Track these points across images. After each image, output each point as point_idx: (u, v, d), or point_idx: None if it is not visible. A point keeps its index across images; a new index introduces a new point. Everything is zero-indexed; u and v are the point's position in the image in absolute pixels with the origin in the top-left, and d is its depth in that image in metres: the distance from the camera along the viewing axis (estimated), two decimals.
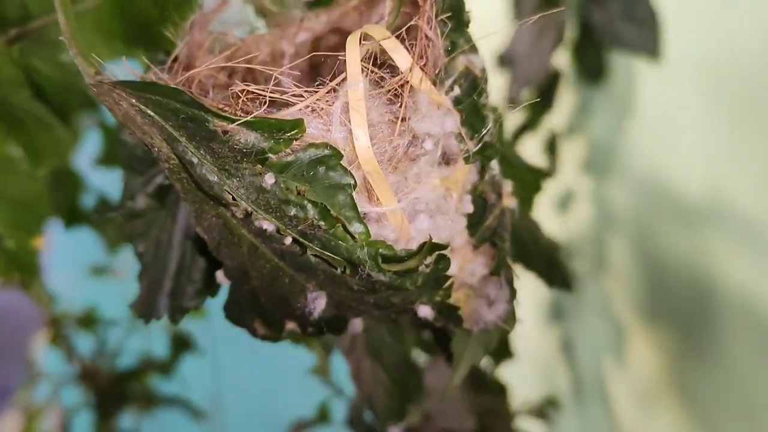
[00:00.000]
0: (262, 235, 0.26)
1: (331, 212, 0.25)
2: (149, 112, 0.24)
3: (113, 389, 0.92)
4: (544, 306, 1.12)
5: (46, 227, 0.43)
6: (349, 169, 0.25)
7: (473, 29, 0.29)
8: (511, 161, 0.48)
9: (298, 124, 0.24)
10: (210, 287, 0.32)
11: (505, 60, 0.95)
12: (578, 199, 0.99)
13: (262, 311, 0.31)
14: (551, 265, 0.46)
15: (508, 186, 0.32)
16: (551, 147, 0.99)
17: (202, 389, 1.04)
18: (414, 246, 0.27)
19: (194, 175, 0.25)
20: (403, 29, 0.27)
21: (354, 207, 0.24)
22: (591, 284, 0.98)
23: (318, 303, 0.29)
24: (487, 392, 0.71)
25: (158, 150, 0.26)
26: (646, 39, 0.76)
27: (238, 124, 0.23)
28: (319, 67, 0.32)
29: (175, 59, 0.29)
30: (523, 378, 1.25)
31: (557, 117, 0.98)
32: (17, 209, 0.41)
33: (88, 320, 0.92)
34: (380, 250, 0.25)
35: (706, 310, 0.72)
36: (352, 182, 0.25)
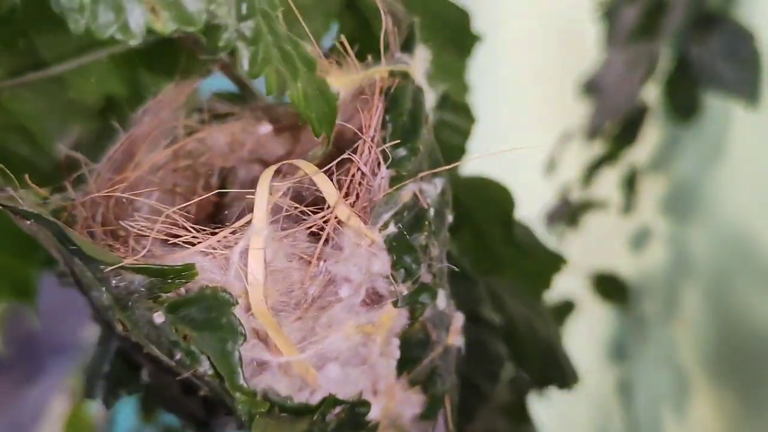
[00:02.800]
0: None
1: (217, 363, 0.23)
2: (47, 234, 0.23)
3: None
4: (605, 344, 1.07)
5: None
6: (246, 315, 0.23)
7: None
8: (526, 246, 0.45)
9: (187, 270, 0.22)
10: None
11: (591, 88, 0.90)
12: (654, 240, 0.94)
13: (190, 413, 0.30)
14: (546, 362, 0.42)
15: (458, 320, 0.29)
16: (630, 183, 0.94)
17: None
18: (320, 396, 0.25)
19: (90, 298, 0.24)
20: (334, 162, 0.24)
21: (239, 361, 0.23)
22: (657, 329, 0.93)
23: (230, 429, 0.28)
24: None
25: (62, 264, 0.25)
26: (746, 81, 0.69)
27: (115, 268, 0.22)
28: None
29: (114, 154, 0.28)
30: (575, 417, 1.21)
31: (639, 153, 0.92)
32: (14, 238, 0.41)
33: None
34: (260, 409, 0.23)
35: None
36: (242, 333, 0.23)
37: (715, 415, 0.78)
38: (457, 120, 0.41)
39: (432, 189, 0.27)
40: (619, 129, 0.91)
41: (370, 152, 0.25)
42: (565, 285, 1.04)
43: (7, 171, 0.24)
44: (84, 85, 0.38)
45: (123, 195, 0.25)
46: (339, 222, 0.25)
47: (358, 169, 0.25)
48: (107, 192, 0.25)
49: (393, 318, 0.26)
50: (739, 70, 0.71)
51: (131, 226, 0.23)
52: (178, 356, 0.23)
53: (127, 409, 0.94)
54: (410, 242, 0.26)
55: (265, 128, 0.30)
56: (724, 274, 0.77)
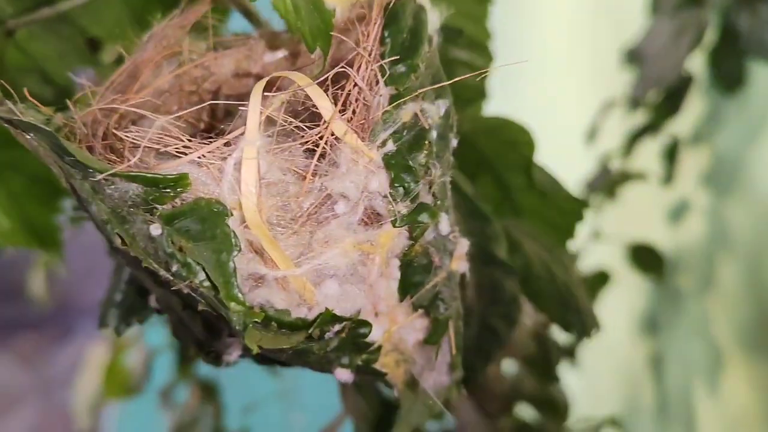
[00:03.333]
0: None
1: (211, 274, 0.23)
2: (45, 146, 0.24)
3: None
4: (638, 316, 1.06)
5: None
6: (241, 228, 0.23)
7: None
8: (548, 192, 0.44)
9: (180, 180, 0.22)
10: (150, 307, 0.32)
11: (634, 56, 0.88)
12: (692, 212, 0.92)
13: (196, 338, 0.31)
14: (566, 307, 0.41)
15: (463, 247, 0.29)
16: (671, 154, 0.92)
17: None
18: (318, 312, 0.25)
19: (89, 212, 0.24)
20: (329, 74, 0.24)
21: (233, 271, 0.23)
22: (692, 302, 0.92)
23: (233, 351, 0.28)
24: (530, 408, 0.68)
25: (63, 181, 0.25)
26: None
27: (109, 174, 0.22)
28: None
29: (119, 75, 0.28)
30: (604, 387, 1.20)
31: (681, 123, 0.90)
32: (36, 183, 0.42)
33: None
34: (255, 319, 0.23)
35: None
36: (237, 244, 0.23)
37: (749, 388, 0.77)
38: (473, 58, 0.40)
39: (434, 110, 0.26)
40: (662, 99, 0.89)
41: (367, 67, 0.25)
42: (601, 255, 1.03)
43: (6, 86, 0.24)
44: (94, 23, 0.39)
45: (122, 107, 0.25)
46: (335, 138, 0.25)
47: (355, 84, 0.24)
48: (106, 105, 0.25)
49: (393, 238, 0.26)
50: None
51: (125, 135, 0.23)
52: (174, 268, 0.23)
53: (164, 361, 0.96)
54: (409, 161, 0.25)
55: (270, 56, 0.30)
56: (761, 248, 0.75)
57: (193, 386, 1.01)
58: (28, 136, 0.24)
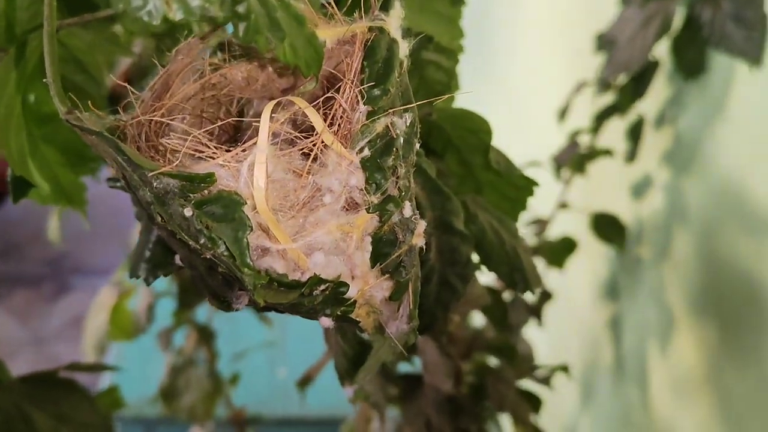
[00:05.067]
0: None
1: (230, 246, 0.31)
2: (105, 146, 0.31)
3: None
4: (600, 282, 1.14)
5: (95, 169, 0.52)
6: (252, 213, 0.31)
7: None
8: (503, 171, 0.52)
9: (209, 178, 0.30)
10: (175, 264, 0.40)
11: (605, 42, 0.94)
12: (654, 188, 1.00)
13: (212, 290, 0.39)
14: (512, 267, 0.50)
15: (421, 226, 0.37)
16: (636, 133, 0.98)
17: None
18: (308, 276, 0.33)
19: (137, 195, 0.32)
20: (321, 98, 0.32)
21: (246, 245, 0.31)
22: (649, 270, 0.99)
23: (241, 301, 0.36)
24: (491, 355, 0.77)
25: (116, 170, 0.33)
26: (752, 44, 0.75)
27: (157, 173, 0.30)
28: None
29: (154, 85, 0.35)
30: (567, 346, 1.29)
31: (647, 105, 0.97)
32: (66, 152, 0.50)
33: None
34: (262, 281, 0.31)
35: (754, 314, 0.74)
36: (249, 225, 0.31)
37: (695, 351, 0.86)
38: (440, 59, 0.48)
39: (402, 122, 0.34)
40: (629, 82, 0.95)
41: (350, 92, 0.32)
42: (568, 225, 1.10)
43: (76, 99, 0.32)
44: (128, 23, 0.46)
45: (162, 119, 0.32)
46: (325, 146, 0.32)
47: (340, 105, 0.32)
48: (149, 116, 0.32)
49: (366, 221, 0.34)
50: (745, 32, 0.76)
51: (168, 143, 0.30)
52: (202, 240, 0.31)
53: (166, 305, 1.05)
54: (380, 163, 0.33)
55: (272, 67, 0.38)
56: (714, 223, 0.83)
57: (190, 330, 1.10)
58: (91, 137, 0.31)
